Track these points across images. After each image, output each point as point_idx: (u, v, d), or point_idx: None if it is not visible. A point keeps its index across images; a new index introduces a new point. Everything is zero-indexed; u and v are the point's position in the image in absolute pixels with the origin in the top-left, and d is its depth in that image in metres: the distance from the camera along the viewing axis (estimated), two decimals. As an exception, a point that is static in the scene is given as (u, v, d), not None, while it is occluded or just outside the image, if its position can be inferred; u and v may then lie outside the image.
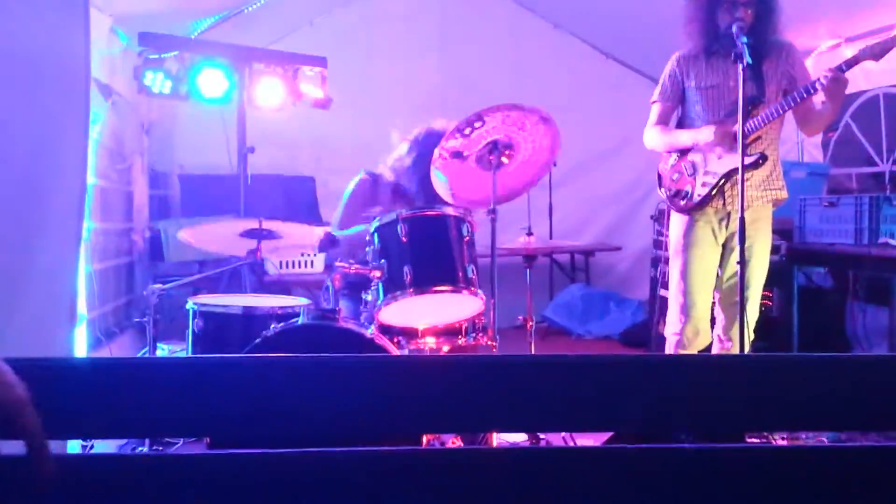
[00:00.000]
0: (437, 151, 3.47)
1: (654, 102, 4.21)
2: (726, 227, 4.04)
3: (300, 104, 5.82)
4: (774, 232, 5.23)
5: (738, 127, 3.61)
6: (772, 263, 5.19)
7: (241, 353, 3.10)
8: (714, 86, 3.99)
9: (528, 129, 3.53)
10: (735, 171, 3.71)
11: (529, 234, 3.94)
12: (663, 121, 4.18)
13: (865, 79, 5.94)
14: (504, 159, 3.53)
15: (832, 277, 5.95)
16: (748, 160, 3.76)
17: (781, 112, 3.82)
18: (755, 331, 4.08)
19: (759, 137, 3.90)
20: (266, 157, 6.18)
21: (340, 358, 1.75)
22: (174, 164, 7.11)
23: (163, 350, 4.15)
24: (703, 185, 4.01)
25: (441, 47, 7.96)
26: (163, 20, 5.56)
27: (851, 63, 3.72)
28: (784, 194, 4.12)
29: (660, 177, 4.25)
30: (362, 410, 1.75)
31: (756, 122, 3.81)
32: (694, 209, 4.05)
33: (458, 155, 3.49)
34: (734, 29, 3.70)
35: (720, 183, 3.96)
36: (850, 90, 6.01)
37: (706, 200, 4.01)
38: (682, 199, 4.09)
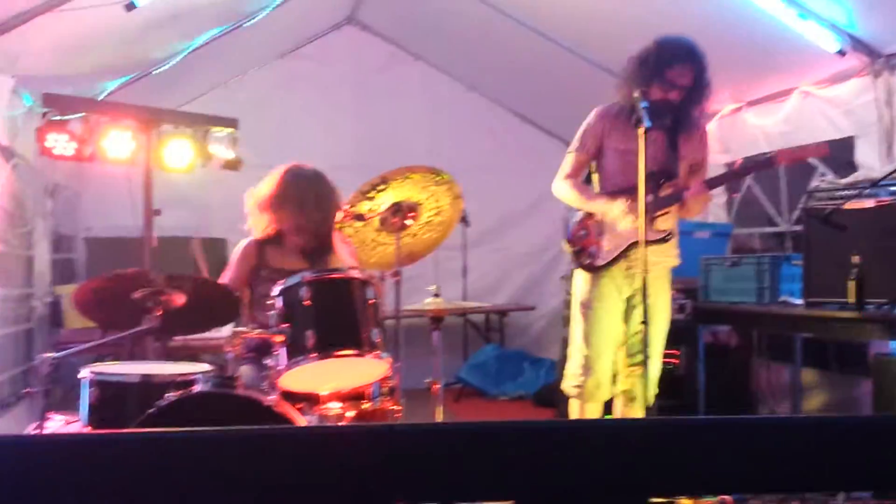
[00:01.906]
0: (339, 214, 3.46)
1: (570, 153, 4.24)
2: (630, 285, 4.10)
3: (210, 165, 5.75)
4: (681, 291, 5.38)
5: (640, 191, 3.68)
6: (677, 322, 5.30)
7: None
8: (630, 150, 3.96)
9: (431, 191, 3.55)
10: (638, 243, 3.78)
11: (436, 295, 3.93)
12: (576, 173, 4.23)
13: (766, 142, 6.17)
14: (408, 221, 3.53)
15: (737, 335, 6.08)
16: (657, 236, 3.96)
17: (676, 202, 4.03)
18: (659, 387, 4.15)
19: (667, 212, 4.04)
20: (175, 218, 6.10)
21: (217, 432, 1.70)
22: (80, 227, 6.97)
23: (57, 422, 3.99)
24: (610, 249, 4.09)
25: (356, 109, 8.03)
26: (69, 81, 5.49)
27: (716, 183, 4.10)
28: (678, 262, 4.25)
29: (567, 228, 4.30)
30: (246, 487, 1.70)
31: (665, 202, 3.97)
32: (597, 270, 4.12)
33: (360, 217, 3.48)
34: (636, 94, 3.81)
35: (625, 249, 4.05)
36: (751, 152, 6.30)
37: (610, 265, 4.09)
38: (588, 257, 4.16)
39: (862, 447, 1.81)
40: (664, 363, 4.27)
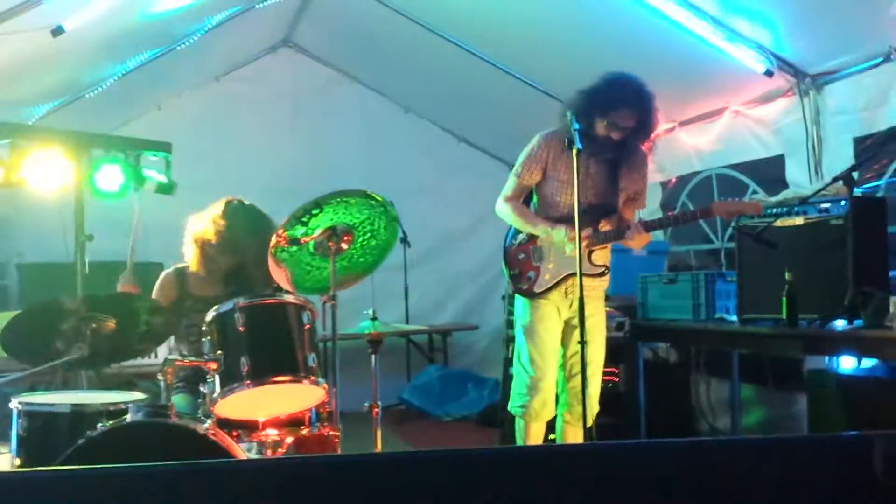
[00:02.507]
0: (274, 238, 3.43)
1: (513, 176, 4.26)
2: (569, 307, 4.16)
3: (144, 189, 5.66)
4: (619, 309, 5.44)
5: (575, 213, 3.71)
6: (616, 339, 5.36)
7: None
8: (571, 179, 3.97)
9: (366, 214, 3.53)
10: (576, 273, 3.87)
11: (374, 318, 3.91)
12: (519, 196, 4.27)
13: (699, 160, 6.28)
14: (343, 245, 3.51)
15: (676, 352, 6.15)
16: (595, 270, 4.11)
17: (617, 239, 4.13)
18: (600, 405, 4.20)
19: (604, 247, 4.16)
20: (110, 243, 5.99)
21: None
22: (12, 253, 6.81)
23: (-17, 454, 3.86)
24: (547, 277, 4.16)
25: (293, 130, 8.00)
26: (-4, 107, 5.38)
27: (653, 226, 4.15)
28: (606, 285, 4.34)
29: (506, 252, 4.34)
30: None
31: (605, 237, 4.07)
32: (535, 296, 4.17)
33: (296, 242, 3.45)
34: (567, 115, 3.85)
35: (563, 279, 4.12)
36: (685, 172, 6.41)
37: (547, 292, 4.16)
38: (525, 282, 4.22)
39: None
40: (603, 381, 4.32)
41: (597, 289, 4.21)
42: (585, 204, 3.97)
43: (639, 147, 4.24)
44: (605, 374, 4.36)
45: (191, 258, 3.89)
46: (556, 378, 4.20)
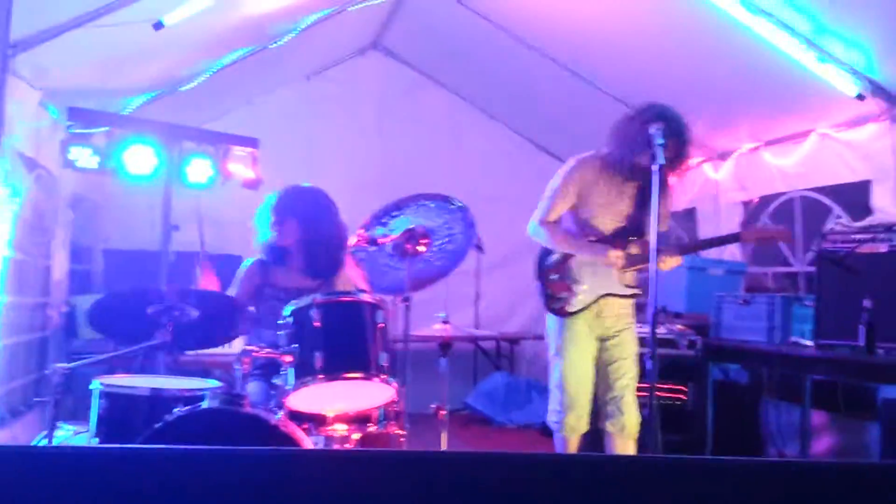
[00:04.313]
0: (354, 238, 3.51)
1: (547, 198, 4.32)
2: (601, 325, 4.25)
3: (229, 184, 5.82)
4: (691, 327, 5.41)
5: (652, 226, 3.71)
6: (687, 358, 5.32)
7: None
8: (609, 203, 4.20)
9: (444, 218, 3.58)
10: (609, 294, 4.17)
11: (445, 321, 3.97)
12: (552, 219, 4.31)
13: (783, 181, 6.18)
14: (420, 247, 3.57)
15: (747, 374, 6.06)
16: (626, 292, 4.19)
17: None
18: (667, 423, 4.24)
19: (637, 269, 4.18)
20: (195, 234, 6.17)
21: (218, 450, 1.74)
22: (98, 239, 7.05)
23: (66, 431, 4.03)
24: (581, 297, 4.22)
25: (378, 132, 8.11)
26: (94, 96, 5.57)
27: (688, 250, 4.39)
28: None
29: (539, 270, 4.39)
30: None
31: (638, 260, 4.09)
32: (568, 315, 4.23)
33: (374, 242, 3.52)
34: (652, 129, 3.83)
35: (596, 300, 4.20)
36: (767, 192, 6.31)
37: (579, 312, 4.22)
38: (558, 302, 4.27)
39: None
40: (673, 398, 4.33)
41: (627, 307, 4.29)
42: (619, 227, 4.17)
43: (668, 175, 4.23)
44: (672, 391, 4.37)
45: (260, 238, 3.99)
46: (590, 394, 4.25)
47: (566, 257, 4.29)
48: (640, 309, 4.28)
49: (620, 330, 4.16)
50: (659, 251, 4.02)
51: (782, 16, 4.77)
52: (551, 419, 4.32)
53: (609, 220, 4.20)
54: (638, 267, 4.16)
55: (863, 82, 4.95)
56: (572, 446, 4.27)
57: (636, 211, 4.20)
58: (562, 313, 4.26)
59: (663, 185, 4.18)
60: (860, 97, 5.00)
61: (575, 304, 4.22)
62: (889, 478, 1.88)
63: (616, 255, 4.11)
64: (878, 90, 5.00)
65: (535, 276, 4.42)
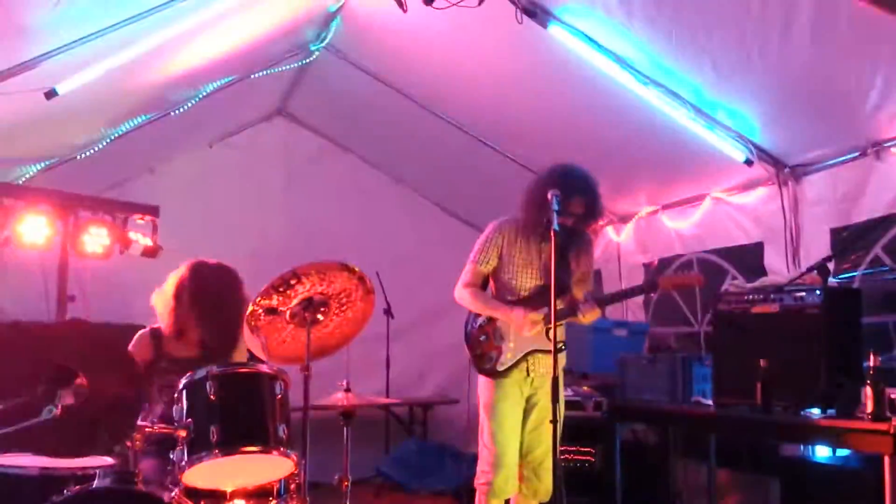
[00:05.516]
0: (251, 307, 3.46)
1: (471, 263, 4.46)
2: (530, 385, 4.33)
3: (128, 252, 5.71)
4: (597, 388, 5.48)
5: (552, 289, 3.75)
6: (594, 419, 5.35)
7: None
8: (527, 263, 4.36)
9: (343, 286, 3.57)
10: (537, 350, 4.27)
11: (347, 389, 3.92)
12: (476, 281, 4.45)
13: (681, 244, 6.35)
14: (319, 316, 3.54)
15: (654, 433, 6.13)
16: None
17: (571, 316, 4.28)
18: (575, 484, 4.27)
19: (560, 324, 4.23)
20: (95, 304, 5.99)
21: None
22: (-9, 310, 6.79)
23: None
24: (509, 356, 4.31)
25: (284, 199, 8.06)
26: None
27: (606, 301, 4.48)
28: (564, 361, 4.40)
29: (467, 335, 4.49)
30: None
31: (560, 314, 4.13)
32: (498, 375, 4.30)
33: (272, 311, 3.48)
34: (549, 195, 3.90)
35: (524, 356, 4.29)
36: (666, 254, 6.47)
37: (510, 370, 4.29)
38: (487, 362, 4.35)
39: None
40: (578, 460, 4.38)
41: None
42: (539, 286, 4.30)
43: (585, 231, 4.45)
44: (580, 453, 4.41)
45: (161, 316, 3.91)
46: (517, 455, 4.30)
47: (492, 318, 4.38)
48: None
49: (547, 392, 4.08)
50: (579, 305, 4.15)
51: (669, 85, 4.95)
52: (479, 481, 4.33)
53: (529, 279, 4.33)
54: (560, 323, 4.19)
55: (749, 148, 5.16)
56: None
57: (561, 273, 4.23)
58: (492, 374, 4.32)
59: (580, 242, 4.38)
60: (748, 162, 5.20)
61: (504, 363, 4.29)
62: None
63: (533, 317, 4.21)
64: (764, 155, 5.22)
65: (465, 339, 4.50)
